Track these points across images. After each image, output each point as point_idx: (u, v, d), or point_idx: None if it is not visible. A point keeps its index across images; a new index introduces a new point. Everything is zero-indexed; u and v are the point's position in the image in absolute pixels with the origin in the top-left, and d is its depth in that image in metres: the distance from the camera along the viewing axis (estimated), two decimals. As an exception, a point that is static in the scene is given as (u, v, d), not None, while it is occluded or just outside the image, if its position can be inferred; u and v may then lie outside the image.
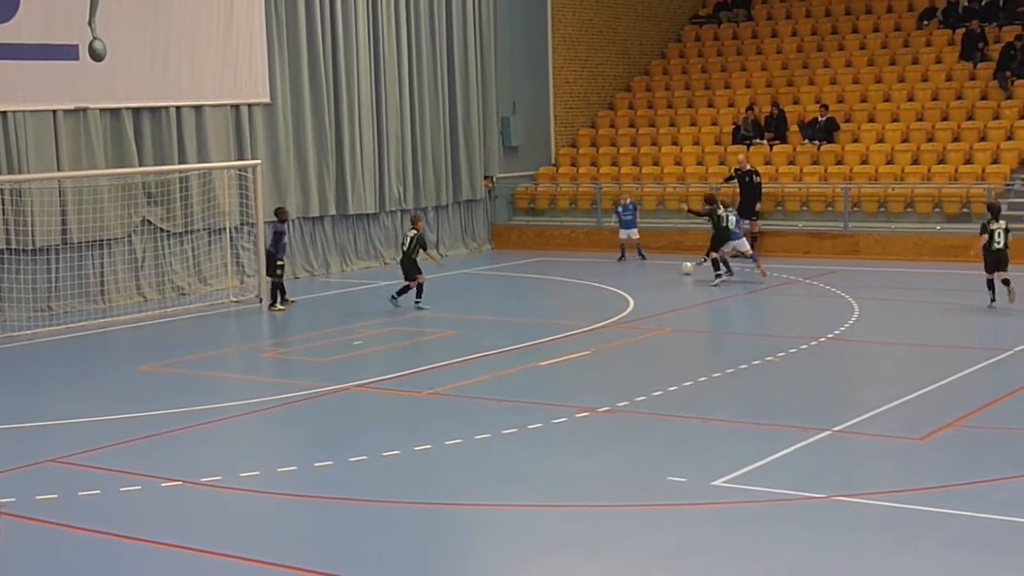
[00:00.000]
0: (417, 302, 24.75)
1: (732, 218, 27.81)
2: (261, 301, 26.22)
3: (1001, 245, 23.24)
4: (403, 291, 24.86)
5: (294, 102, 30.20)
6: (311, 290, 26.75)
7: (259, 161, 27.82)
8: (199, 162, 27.89)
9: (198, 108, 28.12)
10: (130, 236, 27.10)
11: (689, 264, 28.76)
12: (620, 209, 31.69)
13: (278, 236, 25.86)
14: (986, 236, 23.27)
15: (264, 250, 26.23)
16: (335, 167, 31.19)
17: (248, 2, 28.87)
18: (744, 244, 28.13)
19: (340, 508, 12.98)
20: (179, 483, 13.75)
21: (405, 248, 25.00)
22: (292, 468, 14.39)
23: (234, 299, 26.72)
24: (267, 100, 29.41)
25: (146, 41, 27.01)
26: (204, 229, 28.09)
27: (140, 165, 27.06)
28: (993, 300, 23.44)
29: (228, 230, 27.92)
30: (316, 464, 14.39)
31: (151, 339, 23.40)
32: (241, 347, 23.20)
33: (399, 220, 32.66)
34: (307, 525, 12.71)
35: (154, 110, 27.44)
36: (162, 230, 27.55)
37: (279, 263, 25.73)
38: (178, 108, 27.77)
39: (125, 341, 23.35)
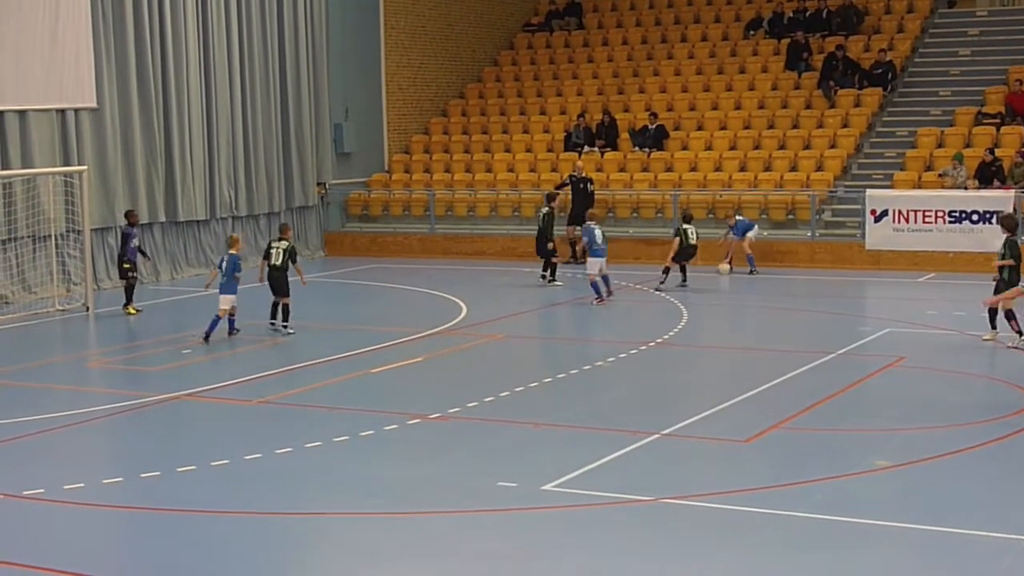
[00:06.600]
0: (285, 325, 22.75)
1: (599, 232, 25.98)
2: (88, 309, 25.75)
3: (694, 241, 27.60)
4: (276, 310, 22.89)
5: (122, 107, 29.67)
6: (140, 298, 26.29)
7: (86, 167, 27.29)
8: (23, 168, 27.27)
9: (22, 113, 27.48)
10: (-48, 244, 26.44)
11: (726, 266, 29.36)
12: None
13: (126, 238, 25.65)
14: (679, 238, 27.43)
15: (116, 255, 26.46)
16: (164, 173, 30.73)
17: (74, 5, 28.31)
18: (602, 265, 25.87)
19: (168, 519, 12.78)
20: (0, 497, 13.43)
21: (277, 262, 22.75)
22: (118, 479, 14.16)
23: (60, 308, 26.18)
24: (94, 105, 28.86)
25: (-33, 44, 26.40)
26: (29, 236, 27.45)
27: (-38, 171, 26.43)
28: (661, 283, 27.14)
29: (54, 237, 27.34)
30: (143, 475, 14.16)
31: (-27, 349, 22.83)
32: (67, 356, 22.74)
33: (231, 227, 32.28)
34: (134, 538, 12.52)
35: (-24, 115, 26.83)
36: (-16, 238, 26.92)
37: (124, 265, 25.42)
38: (1, 113, 27.11)
39: (-54, 351, 22.75)
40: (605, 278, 25.71)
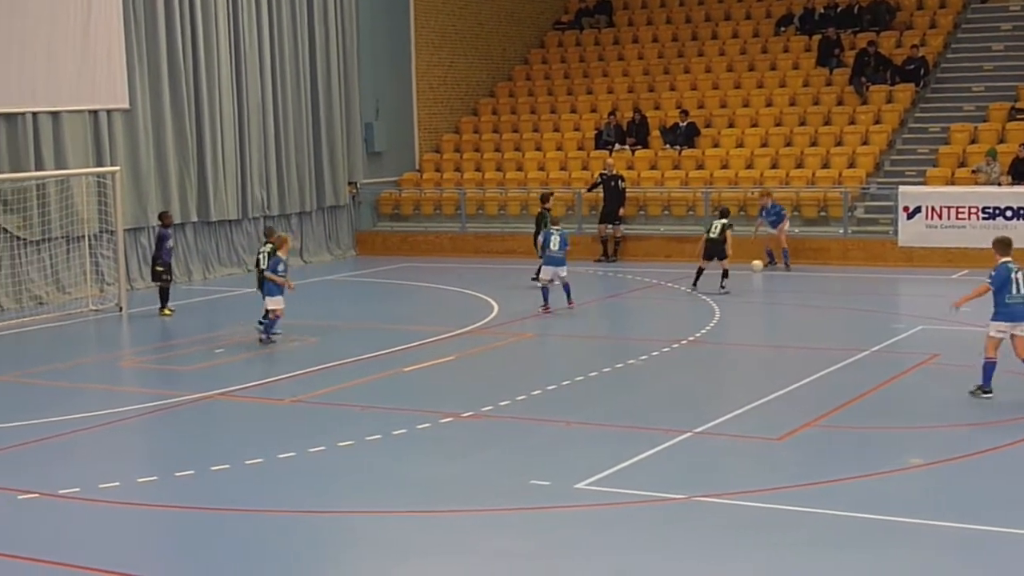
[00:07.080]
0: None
1: (556, 239, 24.40)
2: (121, 309, 25.87)
3: (715, 236, 26.11)
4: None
5: (154, 107, 29.79)
6: (173, 298, 26.37)
7: (118, 168, 27.41)
8: (57, 169, 27.40)
9: (55, 114, 27.61)
10: (-15, 244, 26.57)
11: (759, 263, 28.84)
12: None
13: (160, 240, 25.67)
14: (705, 233, 26.54)
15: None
16: (196, 173, 30.83)
17: (106, 6, 28.42)
18: (564, 271, 24.54)
19: (202, 518, 12.84)
20: (36, 495, 13.50)
21: (264, 266, 22.32)
22: (153, 478, 14.23)
23: (93, 308, 26.31)
24: (126, 105, 28.97)
25: (0, 45, 26.48)
26: (62, 237, 27.61)
27: (-5, 172, 26.56)
28: (695, 286, 26.26)
29: (87, 238, 27.49)
30: (177, 474, 14.22)
31: (8, 349, 22.90)
32: (100, 356, 22.84)
33: (263, 227, 32.26)
34: (169, 536, 12.58)
35: (9, 116, 26.87)
36: (19, 238, 26.99)
37: (158, 268, 25.45)
38: (34, 114, 27.23)
39: (-19, 351, 22.88)
40: (566, 287, 24.50)
